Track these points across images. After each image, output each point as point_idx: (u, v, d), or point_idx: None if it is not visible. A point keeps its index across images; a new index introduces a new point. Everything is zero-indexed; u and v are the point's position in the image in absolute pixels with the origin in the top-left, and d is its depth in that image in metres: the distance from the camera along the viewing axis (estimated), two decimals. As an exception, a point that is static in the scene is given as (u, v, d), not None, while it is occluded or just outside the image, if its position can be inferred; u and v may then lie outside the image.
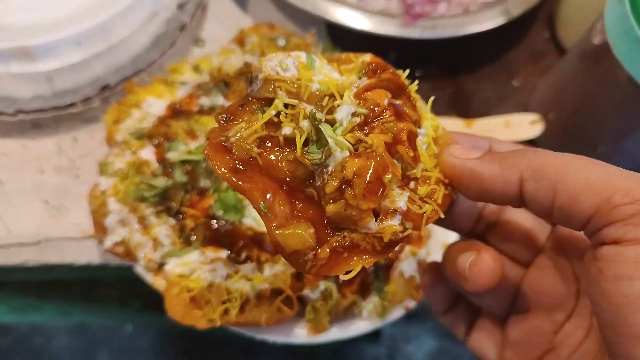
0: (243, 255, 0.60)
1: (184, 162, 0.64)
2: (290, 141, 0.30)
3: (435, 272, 0.41)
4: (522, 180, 0.30)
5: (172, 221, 0.61)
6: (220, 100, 0.69)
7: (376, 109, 0.31)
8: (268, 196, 0.30)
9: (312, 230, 0.29)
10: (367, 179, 0.29)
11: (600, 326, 0.27)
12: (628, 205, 0.26)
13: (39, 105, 0.69)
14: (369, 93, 0.31)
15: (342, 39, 0.81)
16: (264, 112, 0.31)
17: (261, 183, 0.30)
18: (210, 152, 0.30)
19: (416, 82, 0.35)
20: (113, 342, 1.49)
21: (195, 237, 0.61)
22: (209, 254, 0.59)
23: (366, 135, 0.30)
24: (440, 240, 0.63)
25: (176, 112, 0.68)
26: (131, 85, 0.69)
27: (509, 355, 0.38)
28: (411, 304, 0.60)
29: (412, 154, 0.31)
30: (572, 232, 0.35)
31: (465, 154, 0.33)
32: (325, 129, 0.30)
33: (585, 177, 0.27)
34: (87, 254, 0.65)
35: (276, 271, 0.58)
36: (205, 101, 0.69)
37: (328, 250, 0.30)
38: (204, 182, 0.63)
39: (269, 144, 0.31)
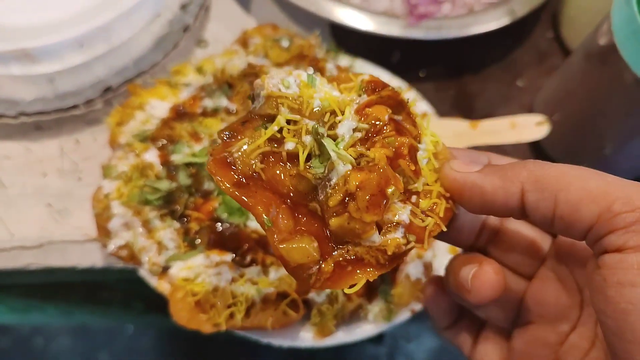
0: (248, 258, 0.60)
1: (188, 165, 0.64)
2: (292, 156, 0.31)
3: (438, 286, 0.42)
4: (523, 192, 0.30)
5: (177, 224, 0.61)
6: (223, 102, 0.69)
7: (377, 124, 0.31)
8: (272, 210, 0.30)
9: (315, 244, 0.30)
10: (370, 192, 0.29)
11: (605, 333, 0.27)
12: (629, 213, 0.26)
13: (40, 108, 0.68)
14: (369, 109, 0.32)
15: (345, 40, 0.81)
16: (266, 128, 0.31)
17: (265, 197, 0.30)
18: (214, 167, 0.30)
19: (415, 99, 0.35)
20: (114, 342, 1.49)
21: (199, 240, 0.60)
22: (213, 258, 0.59)
23: (368, 149, 0.31)
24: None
25: (180, 114, 0.67)
26: (134, 87, 0.69)
27: None
28: (417, 306, 0.60)
29: (413, 168, 0.32)
30: (573, 242, 0.36)
31: (466, 167, 0.33)
32: (328, 143, 0.30)
33: (584, 186, 0.28)
34: (90, 257, 0.65)
35: (281, 274, 0.58)
36: (208, 103, 0.68)
37: (332, 264, 0.30)
38: (208, 185, 0.63)
39: (272, 159, 0.31)
